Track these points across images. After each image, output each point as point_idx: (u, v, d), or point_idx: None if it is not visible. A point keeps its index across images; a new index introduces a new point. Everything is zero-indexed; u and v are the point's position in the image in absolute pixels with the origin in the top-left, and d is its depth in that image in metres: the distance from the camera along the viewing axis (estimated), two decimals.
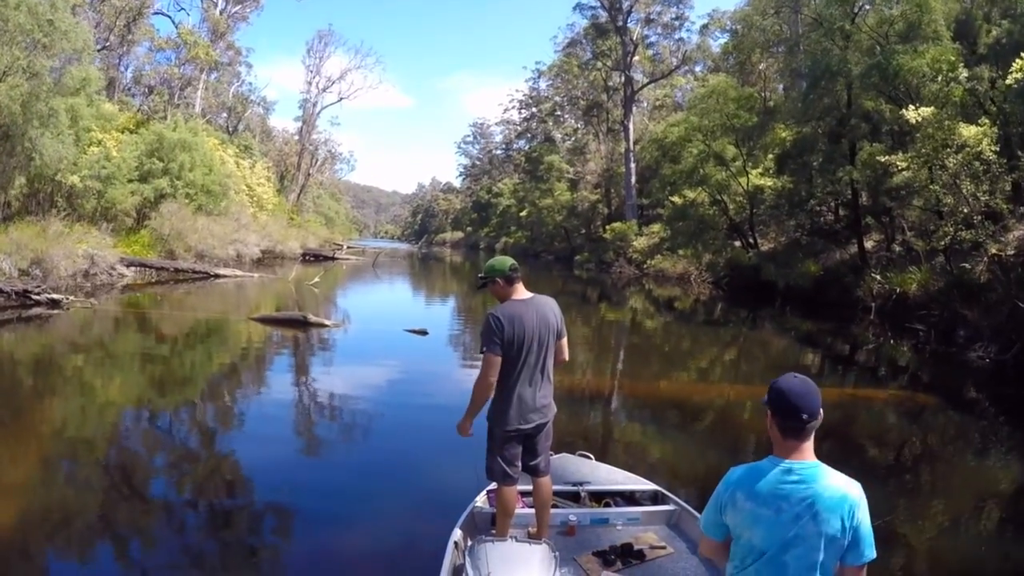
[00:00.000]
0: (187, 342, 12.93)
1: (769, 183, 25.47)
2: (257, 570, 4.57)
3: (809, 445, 2.19)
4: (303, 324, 14.02)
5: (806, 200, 24.22)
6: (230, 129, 52.12)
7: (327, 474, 6.37)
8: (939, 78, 16.35)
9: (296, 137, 58.96)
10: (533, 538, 3.80)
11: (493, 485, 4.07)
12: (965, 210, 14.71)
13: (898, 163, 16.11)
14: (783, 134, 24.86)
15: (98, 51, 32.23)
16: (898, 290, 17.15)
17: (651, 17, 45.11)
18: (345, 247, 53.95)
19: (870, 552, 2.15)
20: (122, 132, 26.64)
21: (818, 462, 2.18)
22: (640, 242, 37.13)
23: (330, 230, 68.68)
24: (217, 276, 24.14)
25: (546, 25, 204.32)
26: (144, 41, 39.78)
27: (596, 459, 5.20)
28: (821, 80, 20.34)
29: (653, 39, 47.09)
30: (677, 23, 45.40)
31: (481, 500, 4.44)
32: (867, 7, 21.09)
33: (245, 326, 14.37)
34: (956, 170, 14.65)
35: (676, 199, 29.86)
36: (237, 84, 53.45)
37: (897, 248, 20.57)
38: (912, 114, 15.13)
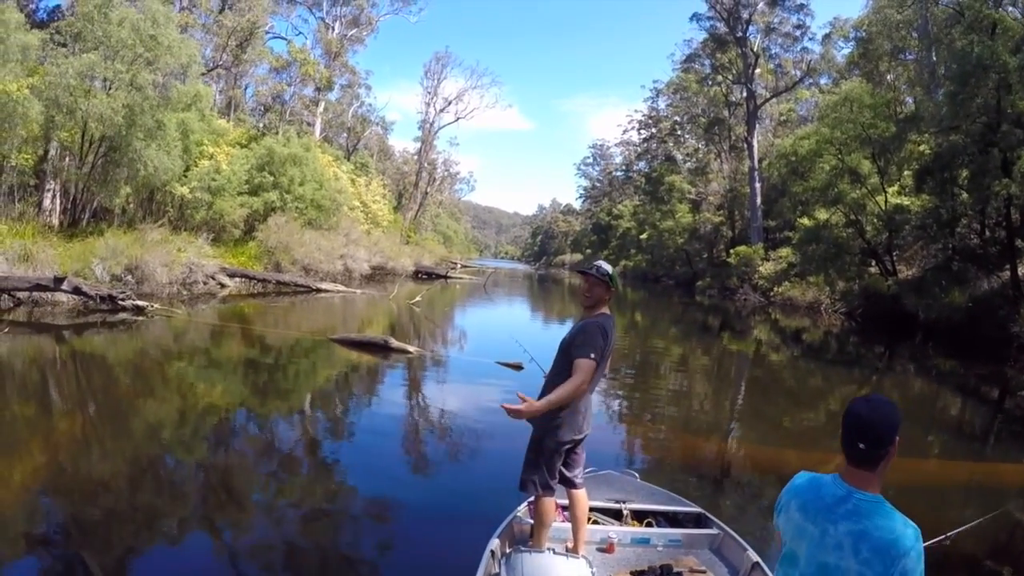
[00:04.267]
0: (257, 360, 12.40)
1: (907, 202, 22.66)
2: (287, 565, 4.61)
3: (873, 475, 2.03)
4: (384, 349, 12.99)
5: (956, 220, 21.22)
6: (349, 149, 53.36)
7: (373, 485, 6.29)
8: None
9: (415, 157, 59.73)
10: (571, 552, 3.73)
11: (533, 497, 3.98)
12: None
13: None
14: (921, 147, 22.18)
15: (209, 71, 33.32)
16: None
17: (772, 27, 42.35)
18: (459, 266, 53.90)
19: None
20: (233, 147, 27.15)
21: (880, 497, 2.02)
22: (767, 267, 35.31)
23: (448, 249, 69.40)
24: (319, 290, 23.88)
25: (666, 44, 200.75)
26: (263, 63, 41.09)
27: (640, 478, 5.13)
28: (971, 77, 17.63)
29: (775, 51, 44.18)
30: (798, 33, 42.39)
31: (522, 511, 4.35)
32: None
33: (324, 347, 13.57)
34: None
35: (806, 221, 27.34)
36: (357, 105, 55.06)
37: None
38: None
